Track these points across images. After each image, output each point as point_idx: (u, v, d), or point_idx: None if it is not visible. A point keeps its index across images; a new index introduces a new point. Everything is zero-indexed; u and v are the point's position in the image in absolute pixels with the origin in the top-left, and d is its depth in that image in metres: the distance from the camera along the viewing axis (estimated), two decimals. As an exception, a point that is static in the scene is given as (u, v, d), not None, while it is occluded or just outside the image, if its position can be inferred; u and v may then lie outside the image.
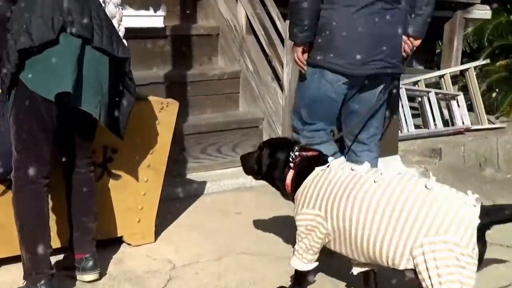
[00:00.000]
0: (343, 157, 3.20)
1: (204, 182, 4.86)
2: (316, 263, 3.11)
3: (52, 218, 3.27)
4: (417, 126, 6.73)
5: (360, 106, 3.80)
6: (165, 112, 3.73)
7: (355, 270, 3.02)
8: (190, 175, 4.98)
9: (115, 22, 3.04)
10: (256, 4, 5.58)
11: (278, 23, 5.34)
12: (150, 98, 3.79)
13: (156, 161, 3.76)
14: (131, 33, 5.27)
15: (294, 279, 3.22)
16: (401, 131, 6.74)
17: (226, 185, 4.94)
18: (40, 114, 2.91)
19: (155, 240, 3.89)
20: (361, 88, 3.74)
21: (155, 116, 3.69)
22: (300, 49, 3.69)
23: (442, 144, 6.31)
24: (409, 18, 3.74)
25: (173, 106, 3.77)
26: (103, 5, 3.05)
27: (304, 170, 3.10)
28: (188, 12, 5.92)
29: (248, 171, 3.49)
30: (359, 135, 3.86)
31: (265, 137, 5.32)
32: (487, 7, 7.69)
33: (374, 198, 2.77)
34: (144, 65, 5.47)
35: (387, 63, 3.67)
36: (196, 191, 4.76)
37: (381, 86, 3.79)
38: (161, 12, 5.43)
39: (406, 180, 2.79)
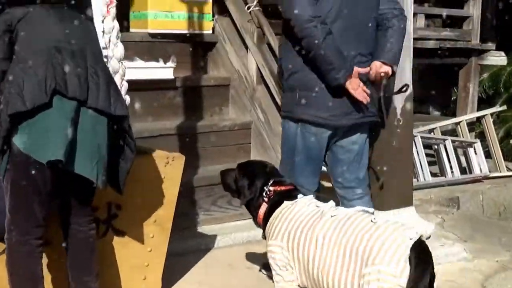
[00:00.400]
0: (312, 195, 3.35)
1: (214, 236, 4.75)
2: None
3: (51, 276, 3.19)
4: (433, 174, 6.60)
5: (343, 153, 3.93)
6: (171, 166, 3.65)
7: None
8: (201, 228, 4.87)
9: (118, 77, 2.98)
10: (266, 53, 5.55)
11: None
12: (156, 152, 3.71)
13: (162, 216, 3.67)
14: (141, 84, 5.30)
15: None
16: (417, 180, 6.63)
17: (237, 238, 4.81)
18: (33, 177, 2.84)
19: (162, 298, 3.78)
20: (342, 136, 3.89)
21: (160, 171, 3.61)
22: (350, 85, 3.65)
23: (460, 192, 6.17)
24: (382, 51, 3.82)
25: (179, 160, 3.69)
26: (104, 59, 3.00)
27: (276, 204, 3.29)
28: (198, 63, 5.89)
29: (226, 188, 3.70)
30: (348, 182, 3.96)
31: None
32: (502, 53, 7.63)
33: (328, 232, 2.93)
34: (154, 116, 5.44)
35: (367, 112, 3.82)
36: (205, 245, 4.64)
37: (359, 133, 3.93)
38: (170, 64, 5.40)
39: (358, 215, 2.96)
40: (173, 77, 5.43)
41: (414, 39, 7.81)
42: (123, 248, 3.58)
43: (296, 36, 3.61)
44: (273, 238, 3.14)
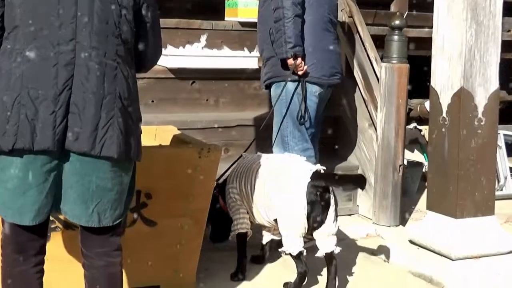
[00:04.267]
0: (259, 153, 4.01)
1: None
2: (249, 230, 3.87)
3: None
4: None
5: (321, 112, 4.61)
6: (206, 158, 3.51)
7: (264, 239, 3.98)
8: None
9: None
10: (356, 45, 5.26)
11: (375, 64, 4.99)
12: (193, 142, 3.62)
13: (195, 209, 3.55)
14: (226, 74, 5.22)
15: (238, 250, 3.90)
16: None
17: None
18: None
19: (197, 293, 3.68)
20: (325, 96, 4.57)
21: (193, 161, 3.50)
22: (295, 62, 4.22)
23: None
24: None
25: (215, 151, 3.54)
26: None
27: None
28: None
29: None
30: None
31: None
32: None
33: (259, 169, 3.72)
34: (237, 106, 5.35)
35: (340, 75, 4.53)
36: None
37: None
38: (255, 53, 5.27)
39: (281, 157, 3.88)
40: (257, 67, 5.29)
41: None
42: (155, 239, 3.51)
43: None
44: (230, 183, 3.89)
